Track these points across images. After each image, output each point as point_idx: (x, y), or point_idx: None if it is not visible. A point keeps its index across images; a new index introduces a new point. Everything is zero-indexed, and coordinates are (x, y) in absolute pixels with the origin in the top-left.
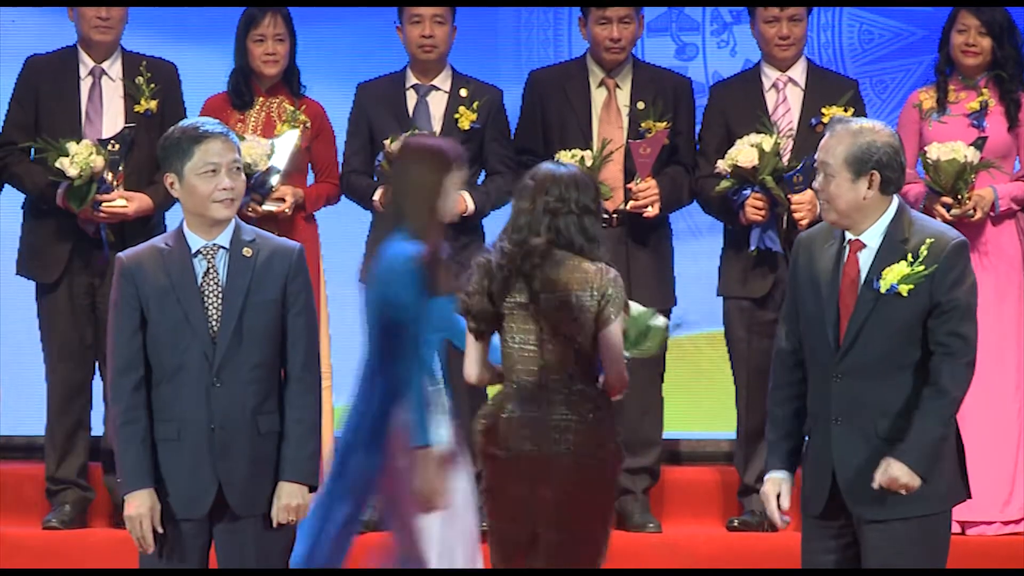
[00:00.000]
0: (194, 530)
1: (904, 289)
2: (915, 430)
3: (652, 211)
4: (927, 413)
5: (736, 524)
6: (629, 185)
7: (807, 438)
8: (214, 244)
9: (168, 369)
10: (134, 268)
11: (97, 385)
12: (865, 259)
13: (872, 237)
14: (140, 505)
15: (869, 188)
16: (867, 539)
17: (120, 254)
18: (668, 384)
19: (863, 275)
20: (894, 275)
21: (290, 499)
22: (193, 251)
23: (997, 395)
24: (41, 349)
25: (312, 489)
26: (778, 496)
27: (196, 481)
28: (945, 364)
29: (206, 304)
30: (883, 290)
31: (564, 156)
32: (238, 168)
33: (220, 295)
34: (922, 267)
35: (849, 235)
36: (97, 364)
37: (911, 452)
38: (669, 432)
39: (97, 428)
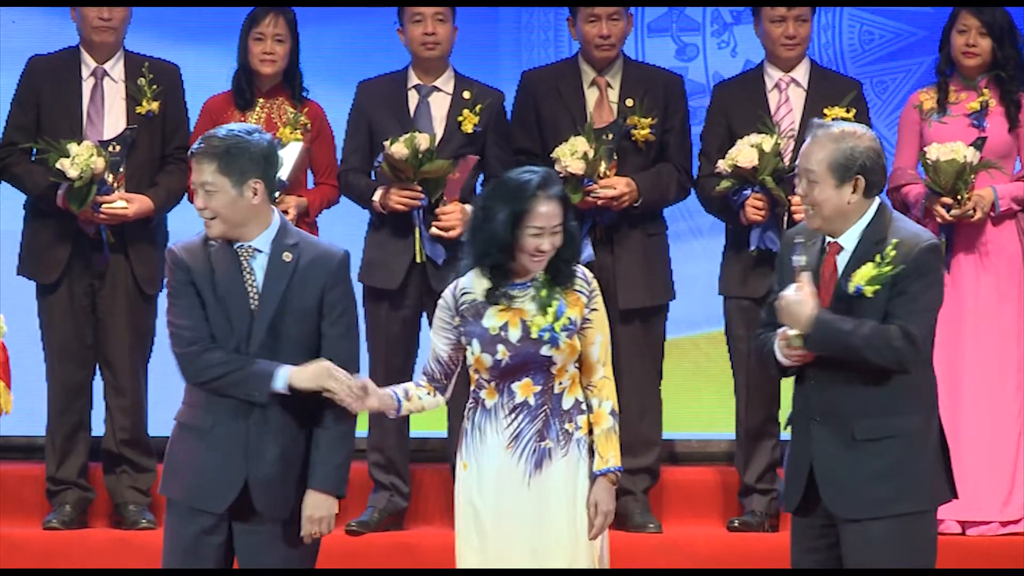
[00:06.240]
0: (209, 524)
1: (869, 290)
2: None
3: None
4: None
5: (736, 524)
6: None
7: (788, 435)
8: (250, 246)
9: None
10: (187, 259)
11: (97, 385)
12: (841, 260)
13: (849, 239)
14: (318, 367)
15: (853, 192)
16: (845, 539)
17: (171, 245)
18: (668, 384)
19: (839, 276)
20: (861, 276)
21: (315, 510)
22: (236, 249)
23: (997, 395)
24: (42, 350)
25: (339, 498)
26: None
27: (222, 476)
28: (896, 327)
29: (250, 304)
30: (850, 291)
31: (563, 150)
32: None
33: (257, 298)
34: (889, 267)
35: (829, 237)
36: (97, 365)
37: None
38: (669, 432)
39: (97, 428)
